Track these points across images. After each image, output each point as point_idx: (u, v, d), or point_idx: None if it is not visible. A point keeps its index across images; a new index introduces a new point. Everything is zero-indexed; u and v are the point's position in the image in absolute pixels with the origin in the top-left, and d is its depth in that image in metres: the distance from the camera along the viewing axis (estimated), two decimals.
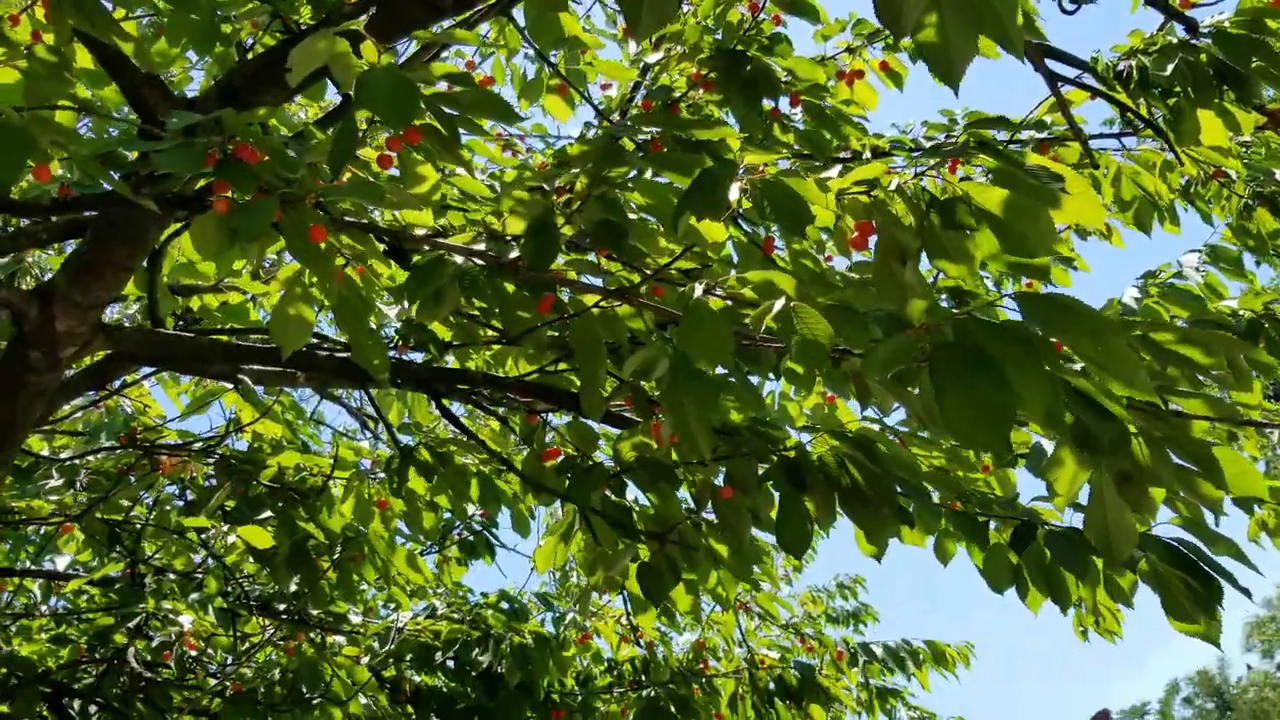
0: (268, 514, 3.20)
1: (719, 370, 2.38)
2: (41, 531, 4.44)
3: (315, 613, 4.21)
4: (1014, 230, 1.63)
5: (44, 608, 4.82)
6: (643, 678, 4.49)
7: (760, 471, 2.52)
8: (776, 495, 2.52)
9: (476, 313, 2.64)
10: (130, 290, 3.03)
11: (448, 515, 4.67)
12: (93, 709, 4.00)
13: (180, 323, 3.37)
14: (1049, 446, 2.00)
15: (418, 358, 2.96)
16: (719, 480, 2.58)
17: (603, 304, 2.21)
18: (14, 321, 2.66)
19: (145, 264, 2.89)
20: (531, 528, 4.47)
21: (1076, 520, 2.48)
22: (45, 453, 3.68)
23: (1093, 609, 3.31)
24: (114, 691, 3.93)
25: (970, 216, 1.61)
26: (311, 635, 4.18)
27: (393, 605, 4.77)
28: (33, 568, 4.78)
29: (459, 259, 2.14)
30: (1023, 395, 1.35)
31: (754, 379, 2.62)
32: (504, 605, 4.38)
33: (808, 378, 2.37)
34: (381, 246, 2.16)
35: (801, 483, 2.36)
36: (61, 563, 4.63)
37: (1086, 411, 1.51)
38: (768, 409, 2.90)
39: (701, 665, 4.47)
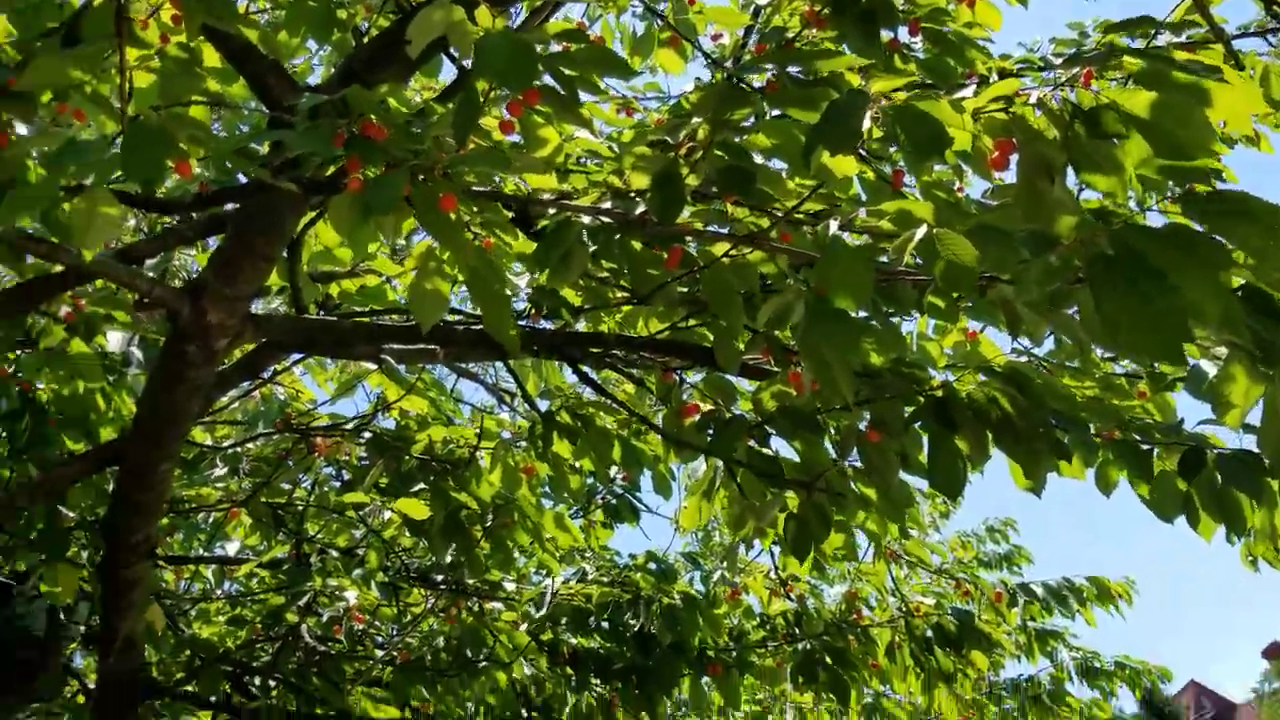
0: (420, 487, 3.29)
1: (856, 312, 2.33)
2: (211, 519, 4.67)
3: (472, 582, 4.33)
4: (1166, 133, 1.53)
5: (219, 591, 5.08)
6: (796, 631, 4.47)
7: (906, 413, 2.47)
8: (924, 437, 2.46)
9: (606, 274, 2.65)
10: (273, 281, 3.14)
11: (590, 480, 4.73)
12: (272, 684, 4.19)
13: (322, 309, 3.48)
14: (1210, 368, 1.90)
15: (550, 325, 2.99)
16: (864, 425, 2.54)
17: (733, 252, 2.18)
18: (169, 318, 2.78)
19: (285, 254, 2.98)
20: (672, 489, 4.49)
21: (1247, 443, 2.36)
22: (209, 443, 3.85)
23: (1269, 534, 3.15)
24: (290, 666, 4.11)
25: (1119, 123, 1.52)
26: (470, 604, 4.31)
27: (544, 571, 4.87)
28: (205, 554, 5.05)
29: (585, 219, 2.14)
30: (1193, 301, 1.28)
31: (893, 319, 2.56)
32: (652, 567, 4.42)
33: (951, 310, 2.30)
34: (508, 215, 2.17)
35: (951, 421, 2.30)
36: (231, 548, 4.87)
37: (1258, 317, 1.42)
38: (908, 349, 2.83)
39: (855, 616, 4.42)
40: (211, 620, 4.82)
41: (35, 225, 2.37)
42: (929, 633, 4.21)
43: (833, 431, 2.67)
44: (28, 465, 3.42)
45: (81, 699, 4.77)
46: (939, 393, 2.35)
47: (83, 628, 5.14)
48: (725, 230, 2.11)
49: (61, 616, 5.08)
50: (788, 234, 2.19)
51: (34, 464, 3.39)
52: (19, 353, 3.08)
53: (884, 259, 2.15)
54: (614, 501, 4.99)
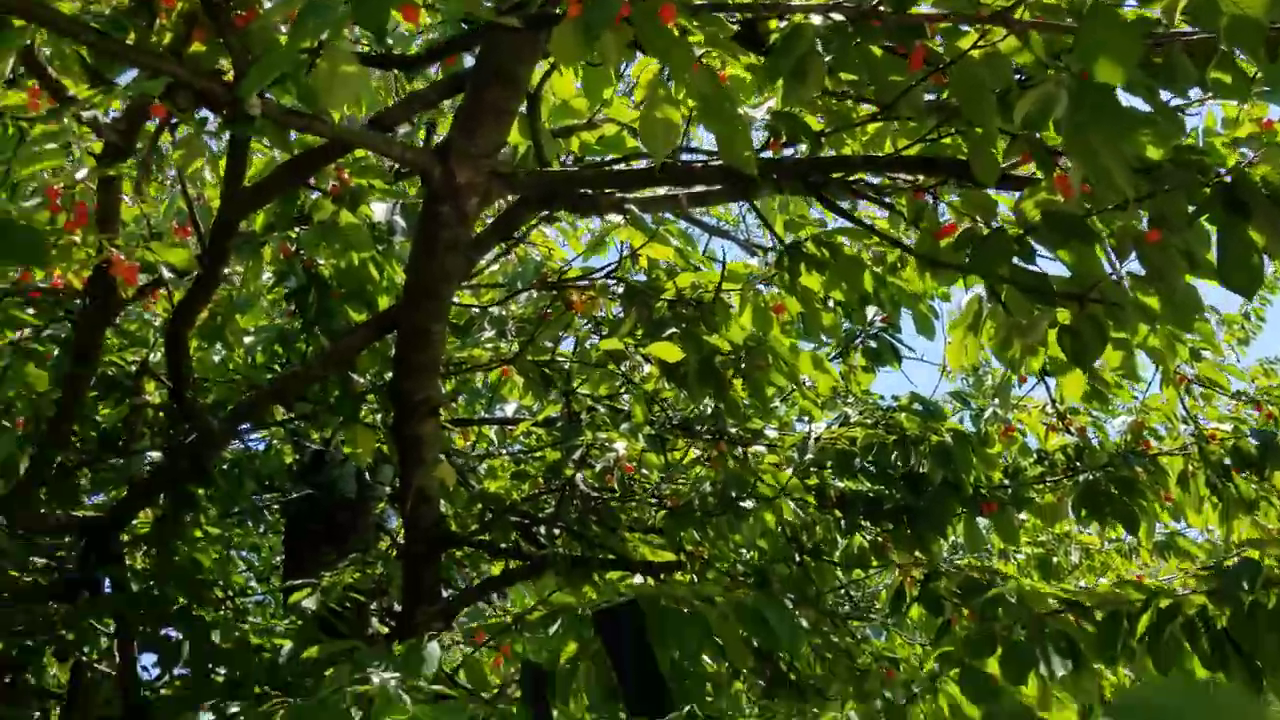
0: (672, 331, 3.31)
1: (1130, 102, 2.09)
2: (487, 381, 4.94)
3: (733, 430, 4.38)
4: None
5: (503, 450, 5.41)
6: (1077, 465, 4.25)
7: (1190, 208, 2.22)
8: (1212, 233, 2.22)
9: (846, 89, 2.51)
10: (516, 140, 3.20)
11: (847, 326, 4.65)
12: (556, 532, 4.43)
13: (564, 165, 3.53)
14: None
15: (792, 155, 2.89)
16: (1142, 225, 2.32)
17: (982, 43, 2.00)
18: (422, 182, 2.89)
19: (525, 110, 3.02)
20: (935, 328, 4.31)
21: None
22: (475, 307, 4.04)
23: None
24: (571, 515, 4.33)
25: None
26: (734, 452, 4.37)
27: (806, 418, 4.85)
28: (487, 416, 5.38)
29: (816, 20, 2.01)
30: None
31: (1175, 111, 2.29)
32: (917, 407, 4.29)
33: (1240, 85, 2.03)
34: (733, 29, 2.08)
35: (1243, 208, 2.05)
36: (509, 409, 5.16)
37: None
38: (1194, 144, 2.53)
39: (1142, 446, 4.14)
40: (498, 476, 5.15)
41: (294, 102, 2.50)
42: (1226, 459, 3.89)
43: (1106, 237, 2.46)
44: (319, 337, 3.72)
45: (393, 552, 5.22)
46: (1228, 180, 2.10)
47: (388, 489, 5.64)
48: (970, 15, 1.93)
49: (368, 478, 5.58)
50: (1041, 16, 1.99)
51: (324, 335, 3.67)
52: (297, 230, 3.31)
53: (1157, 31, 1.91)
54: (874, 344, 4.86)
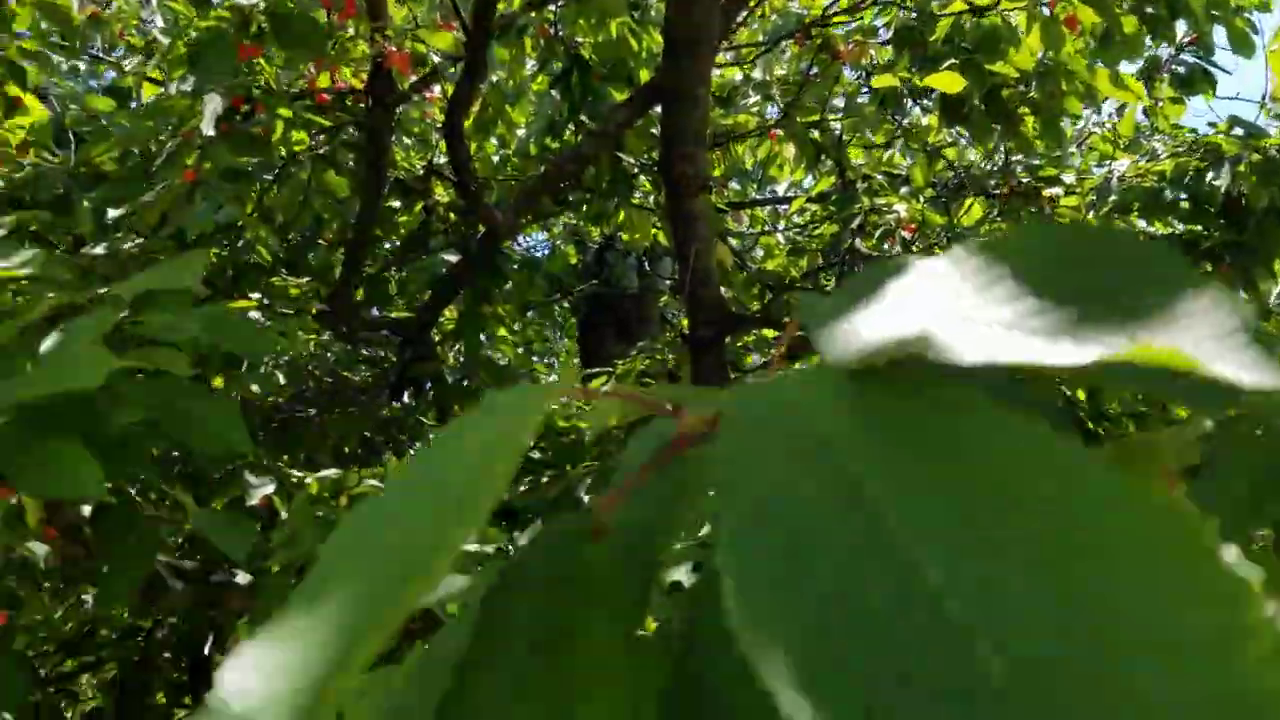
0: (951, 62, 3.06)
1: None
2: (757, 161, 4.84)
3: (1025, 179, 4.09)
4: None
5: (778, 229, 5.35)
6: None
7: None
8: None
9: None
10: None
11: (1150, 55, 4.17)
12: None
13: None
14: None
15: None
16: None
17: None
18: None
19: None
20: (1255, 45, 3.81)
21: None
22: (738, 65, 3.92)
23: None
24: None
25: None
26: (1027, 208, 4.09)
27: (1106, 163, 4.45)
28: (759, 197, 5.30)
29: None
30: None
31: None
32: (1237, 131, 3.83)
33: None
34: None
35: None
36: (781, 189, 5.06)
37: None
38: None
39: None
40: (774, 255, 5.10)
41: None
42: None
43: None
44: (586, 122, 3.73)
45: (679, 340, 5.34)
46: None
47: (668, 281, 5.74)
48: None
49: (648, 269, 5.70)
50: None
51: (590, 119, 3.68)
52: (554, 9, 3.28)
53: None
54: (1182, 70, 4.35)
